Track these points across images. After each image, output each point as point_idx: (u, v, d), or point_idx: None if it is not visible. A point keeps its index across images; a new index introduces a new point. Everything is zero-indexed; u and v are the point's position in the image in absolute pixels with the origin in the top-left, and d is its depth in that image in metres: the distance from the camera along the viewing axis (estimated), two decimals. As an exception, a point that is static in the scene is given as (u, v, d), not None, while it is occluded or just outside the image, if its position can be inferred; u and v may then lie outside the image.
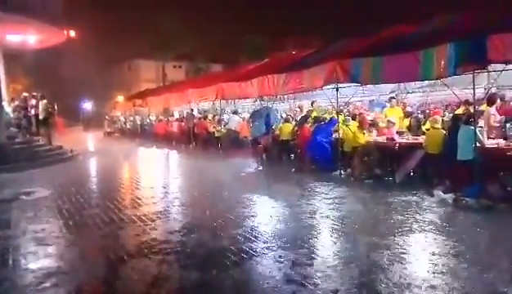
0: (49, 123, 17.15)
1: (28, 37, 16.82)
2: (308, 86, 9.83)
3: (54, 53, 25.67)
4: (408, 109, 11.37)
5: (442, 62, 6.82)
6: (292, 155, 11.91)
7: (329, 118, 10.61)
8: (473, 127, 6.90)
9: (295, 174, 10.35)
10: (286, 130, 11.79)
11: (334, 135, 9.89)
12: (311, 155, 10.24)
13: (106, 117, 33.80)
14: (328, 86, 9.32)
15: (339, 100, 9.70)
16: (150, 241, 5.48)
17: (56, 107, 19.21)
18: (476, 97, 7.20)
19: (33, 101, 17.42)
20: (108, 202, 7.95)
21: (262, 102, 12.98)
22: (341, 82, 8.90)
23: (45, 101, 17.07)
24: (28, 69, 29.06)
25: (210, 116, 18.67)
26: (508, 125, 8.14)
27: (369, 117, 10.27)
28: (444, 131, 7.85)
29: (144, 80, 47.33)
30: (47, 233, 6.08)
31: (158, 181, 10.88)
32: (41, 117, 16.81)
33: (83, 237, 5.96)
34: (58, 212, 7.29)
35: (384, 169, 8.80)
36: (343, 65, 8.60)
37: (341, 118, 10.14)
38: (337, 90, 9.23)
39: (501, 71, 6.95)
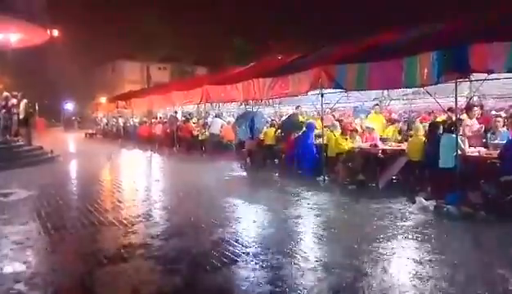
0: (29, 123, 16.77)
1: (10, 35, 16.44)
2: (293, 91, 9.84)
3: (37, 53, 25.27)
4: (393, 115, 11.52)
5: (426, 70, 6.88)
6: (276, 160, 11.89)
7: (306, 124, 10.66)
8: (454, 135, 7.00)
9: (279, 179, 10.35)
10: (271, 134, 11.78)
11: (318, 141, 9.94)
12: (296, 160, 10.25)
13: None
14: (313, 92, 9.35)
15: (324, 105, 9.74)
16: (130, 245, 5.37)
17: (36, 107, 18.84)
18: (458, 106, 7.30)
19: (14, 101, 17.02)
20: (88, 204, 7.78)
21: (248, 106, 12.95)
22: (326, 88, 8.94)
23: (25, 101, 16.70)
24: (9, 69, 28.47)
25: (195, 119, 18.54)
26: (488, 134, 8.31)
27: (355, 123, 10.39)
28: (424, 139, 7.95)
29: (128, 81, 46.73)
30: (23, 235, 5.90)
31: (139, 184, 10.71)
32: (21, 117, 16.41)
33: (61, 240, 5.81)
34: (36, 214, 7.11)
35: (367, 175, 8.85)
36: (328, 71, 8.63)
37: (319, 123, 10.21)
38: (322, 95, 9.27)
39: (483, 80, 7.07)
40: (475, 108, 8.37)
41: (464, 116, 7.95)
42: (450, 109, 8.45)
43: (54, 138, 25.63)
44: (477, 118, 9.19)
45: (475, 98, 9.30)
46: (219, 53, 44.50)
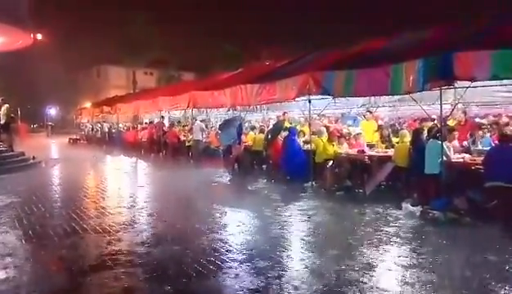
0: (11, 129, 16.42)
1: (-8, 39, 16.13)
2: (281, 97, 9.85)
3: (19, 57, 24.82)
4: (379, 122, 11.61)
5: (411, 77, 6.97)
6: (264, 166, 11.86)
7: (288, 129, 10.68)
8: (439, 142, 7.07)
9: (267, 184, 10.31)
10: (260, 140, 11.75)
11: (306, 147, 9.95)
12: (283, 166, 10.23)
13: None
14: (301, 98, 9.36)
15: (312, 111, 9.77)
16: (115, 253, 5.25)
17: (18, 112, 18.45)
18: (443, 113, 7.39)
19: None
20: (71, 211, 7.61)
21: (235, 112, 12.92)
22: (313, 94, 8.96)
23: (7, 106, 16.34)
24: (-9, 73, 27.95)
25: (181, 126, 18.38)
26: (471, 141, 8.42)
27: (345, 130, 10.46)
28: (409, 145, 8.01)
29: (113, 86, 46.34)
30: (4, 243, 5.74)
31: (124, 191, 10.55)
32: (2, 122, 16.06)
33: (44, 248, 5.66)
34: (17, 222, 6.93)
35: (354, 181, 8.88)
36: (316, 77, 8.67)
37: (305, 129, 10.23)
38: (309, 102, 9.29)
39: (467, 88, 7.17)
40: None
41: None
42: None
43: (37, 144, 25.15)
44: (461, 125, 9.32)
45: (459, 105, 9.42)
46: (207, 58, 44.43)
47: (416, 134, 7.97)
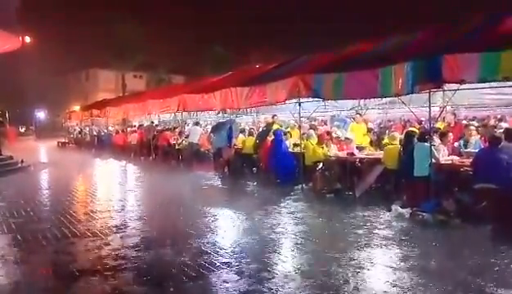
0: (-1, 133, 16.28)
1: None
2: (271, 100, 9.85)
3: (7, 60, 24.55)
4: (369, 124, 11.66)
5: (400, 80, 7.00)
6: (254, 169, 11.85)
7: (273, 132, 10.70)
8: (428, 144, 7.13)
9: (257, 187, 10.30)
10: (249, 143, 11.74)
11: (296, 149, 9.97)
12: (272, 169, 10.24)
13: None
14: (290, 101, 9.39)
15: (301, 114, 9.79)
16: (105, 256, 5.21)
17: (7, 115, 18.27)
18: (432, 115, 7.46)
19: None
20: (60, 215, 7.54)
21: (225, 115, 12.90)
22: (303, 97, 8.99)
23: (-5, 109, 16.20)
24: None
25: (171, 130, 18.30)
26: (461, 142, 8.50)
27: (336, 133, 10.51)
28: (399, 147, 8.06)
29: (102, 90, 45.99)
30: (-10, 248, 5.67)
31: (114, 194, 10.47)
32: (-10, 126, 15.92)
33: (33, 252, 5.59)
34: (6, 226, 6.84)
35: (344, 184, 8.91)
36: (306, 80, 8.68)
37: (296, 131, 10.25)
38: (299, 104, 9.32)
39: (456, 90, 7.25)
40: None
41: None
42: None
43: (25, 147, 24.85)
44: (450, 127, 9.42)
45: (448, 108, 9.53)
46: (196, 61, 44.35)
47: (409, 137, 8.01)
